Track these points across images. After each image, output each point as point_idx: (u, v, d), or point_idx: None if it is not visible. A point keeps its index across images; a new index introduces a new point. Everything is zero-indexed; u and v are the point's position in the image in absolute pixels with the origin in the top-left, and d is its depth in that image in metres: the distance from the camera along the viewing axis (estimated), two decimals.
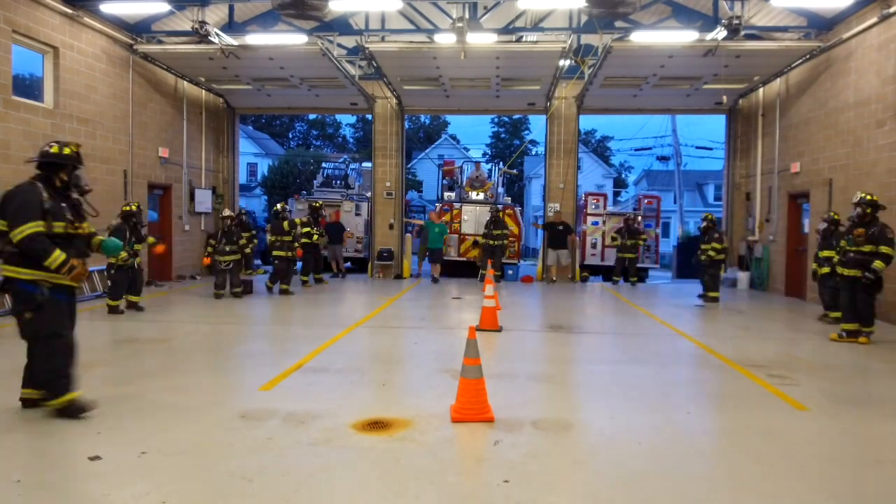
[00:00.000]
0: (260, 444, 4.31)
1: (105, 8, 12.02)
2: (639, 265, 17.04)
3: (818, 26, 12.39)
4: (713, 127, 48.80)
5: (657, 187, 42.31)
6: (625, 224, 16.72)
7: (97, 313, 10.08)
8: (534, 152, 46.39)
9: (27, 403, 4.86)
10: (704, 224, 12.97)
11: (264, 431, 4.57)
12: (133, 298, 10.38)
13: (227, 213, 13.31)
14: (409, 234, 17.74)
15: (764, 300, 13.69)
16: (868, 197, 8.25)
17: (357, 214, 19.41)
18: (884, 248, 7.92)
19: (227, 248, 12.01)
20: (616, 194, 42.81)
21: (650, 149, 41.63)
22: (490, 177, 20.35)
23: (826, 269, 9.55)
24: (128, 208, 10.27)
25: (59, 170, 4.79)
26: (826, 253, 9.65)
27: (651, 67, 13.62)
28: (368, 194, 19.47)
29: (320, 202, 16.82)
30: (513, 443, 4.42)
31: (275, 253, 13.08)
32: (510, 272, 16.96)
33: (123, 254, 9.63)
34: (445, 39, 12.89)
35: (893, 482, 3.94)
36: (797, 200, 14.16)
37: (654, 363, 7.23)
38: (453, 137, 51.38)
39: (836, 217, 9.98)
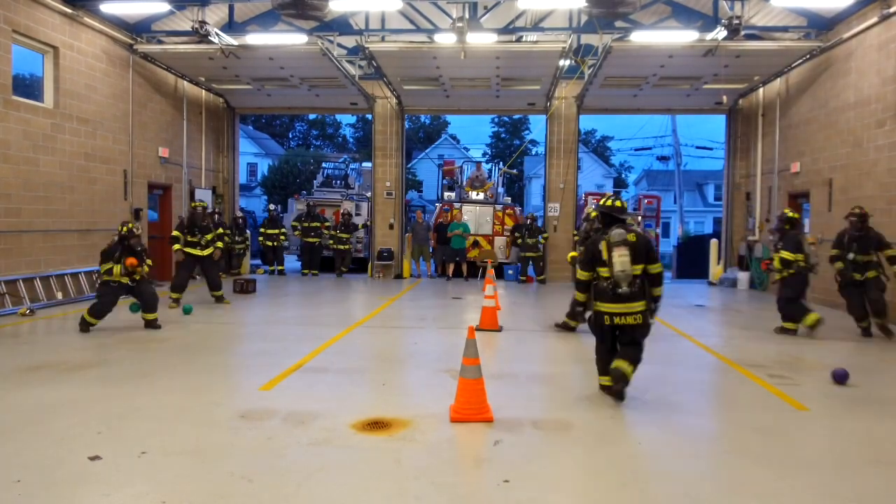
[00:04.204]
0: (260, 444, 4.31)
1: (105, 8, 12.00)
2: None
3: (818, 26, 12.38)
4: (713, 127, 48.73)
5: (657, 187, 42.37)
6: (529, 221, 16.39)
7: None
8: (534, 152, 46.36)
9: None
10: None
11: (264, 431, 4.57)
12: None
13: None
14: (408, 234, 17.76)
15: (764, 300, 13.66)
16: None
17: (357, 214, 19.45)
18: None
19: None
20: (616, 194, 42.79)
21: (650, 149, 41.68)
22: (490, 177, 20.35)
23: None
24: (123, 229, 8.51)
25: None
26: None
27: (651, 67, 13.61)
28: (368, 194, 19.48)
29: (227, 211, 17.50)
30: (513, 443, 4.42)
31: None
32: (510, 272, 16.96)
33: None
34: (445, 39, 12.88)
35: (894, 482, 3.94)
36: (797, 200, 14.16)
37: (654, 363, 7.20)
38: (453, 137, 51.38)
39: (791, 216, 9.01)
